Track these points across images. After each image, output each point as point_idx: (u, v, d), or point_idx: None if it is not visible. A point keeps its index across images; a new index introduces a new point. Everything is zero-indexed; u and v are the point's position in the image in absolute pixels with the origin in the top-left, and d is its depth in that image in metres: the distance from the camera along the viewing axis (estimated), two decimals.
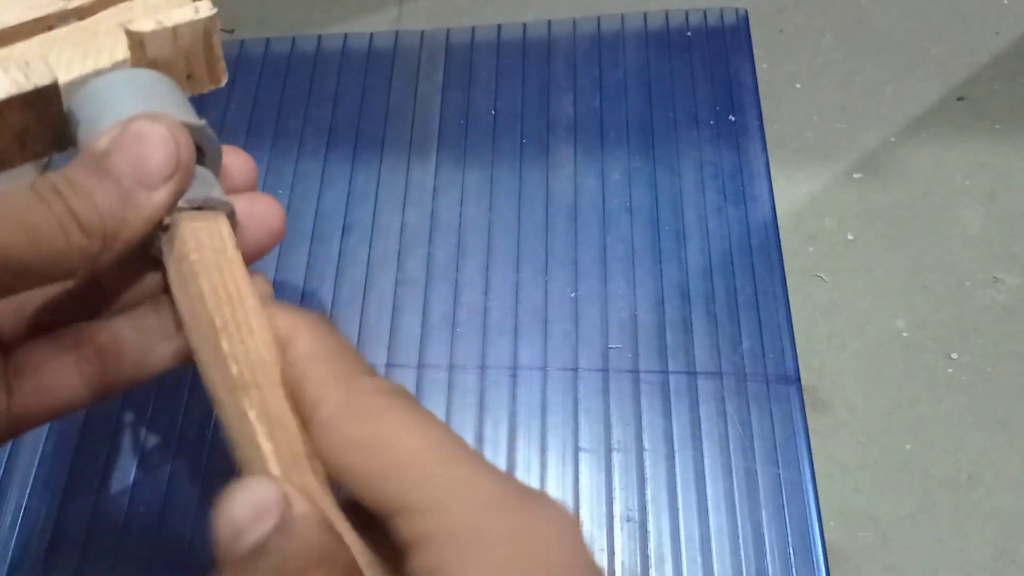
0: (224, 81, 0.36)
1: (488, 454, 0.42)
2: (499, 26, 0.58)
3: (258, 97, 0.57)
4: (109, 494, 0.43)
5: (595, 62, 0.56)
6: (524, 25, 0.58)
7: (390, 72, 0.57)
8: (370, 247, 0.49)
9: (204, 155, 0.29)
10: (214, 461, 0.43)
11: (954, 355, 0.45)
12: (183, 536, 0.42)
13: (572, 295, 0.47)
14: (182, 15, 0.31)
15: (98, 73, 0.29)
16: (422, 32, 0.59)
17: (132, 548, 0.41)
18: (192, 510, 0.42)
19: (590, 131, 0.53)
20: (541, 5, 0.60)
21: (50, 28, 0.34)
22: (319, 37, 0.59)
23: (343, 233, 0.50)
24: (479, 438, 0.43)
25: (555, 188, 0.51)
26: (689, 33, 0.57)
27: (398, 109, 0.55)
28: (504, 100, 0.55)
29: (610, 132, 0.53)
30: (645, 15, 0.58)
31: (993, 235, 0.48)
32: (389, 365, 0.45)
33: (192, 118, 0.28)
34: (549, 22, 0.58)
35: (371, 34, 0.59)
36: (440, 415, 0.43)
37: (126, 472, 0.43)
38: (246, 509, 0.18)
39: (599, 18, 0.58)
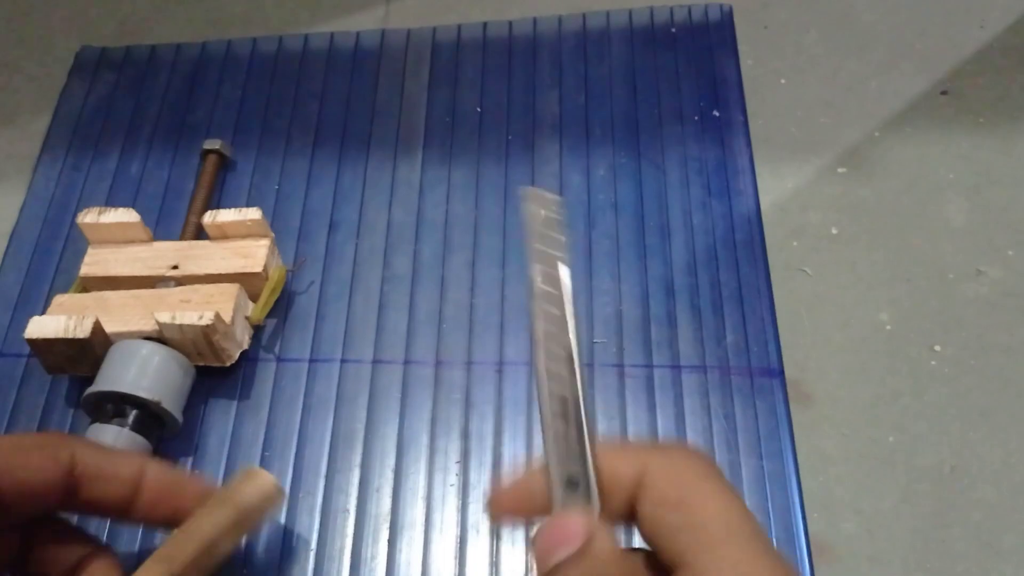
0: (228, 363, 0.43)
1: (474, 449, 0.42)
2: (485, 24, 0.58)
3: (245, 96, 0.57)
4: None
5: (581, 59, 0.56)
6: (510, 23, 0.58)
7: (376, 70, 0.57)
8: (356, 244, 0.50)
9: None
10: None
11: (937, 347, 0.45)
12: None
13: None
14: (188, 318, 0.40)
15: (131, 335, 0.41)
16: (408, 31, 0.59)
17: None
18: None
19: (575, 128, 0.53)
20: (527, 3, 0.60)
21: (153, 286, 0.44)
22: (306, 36, 0.59)
23: (330, 230, 0.50)
24: (465, 434, 0.43)
25: (540, 184, 0.51)
26: (674, 29, 0.57)
27: (384, 107, 0.55)
28: (490, 97, 0.55)
29: (595, 128, 0.53)
30: (630, 12, 0.58)
31: (977, 228, 0.49)
32: (376, 361, 0.45)
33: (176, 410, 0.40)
34: (535, 19, 0.58)
35: (357, 33, 0.59)
36: (426, 411, 0.44)
37: None
38: (555, 535, 0.21)
39: (584, 15, 0.58)
